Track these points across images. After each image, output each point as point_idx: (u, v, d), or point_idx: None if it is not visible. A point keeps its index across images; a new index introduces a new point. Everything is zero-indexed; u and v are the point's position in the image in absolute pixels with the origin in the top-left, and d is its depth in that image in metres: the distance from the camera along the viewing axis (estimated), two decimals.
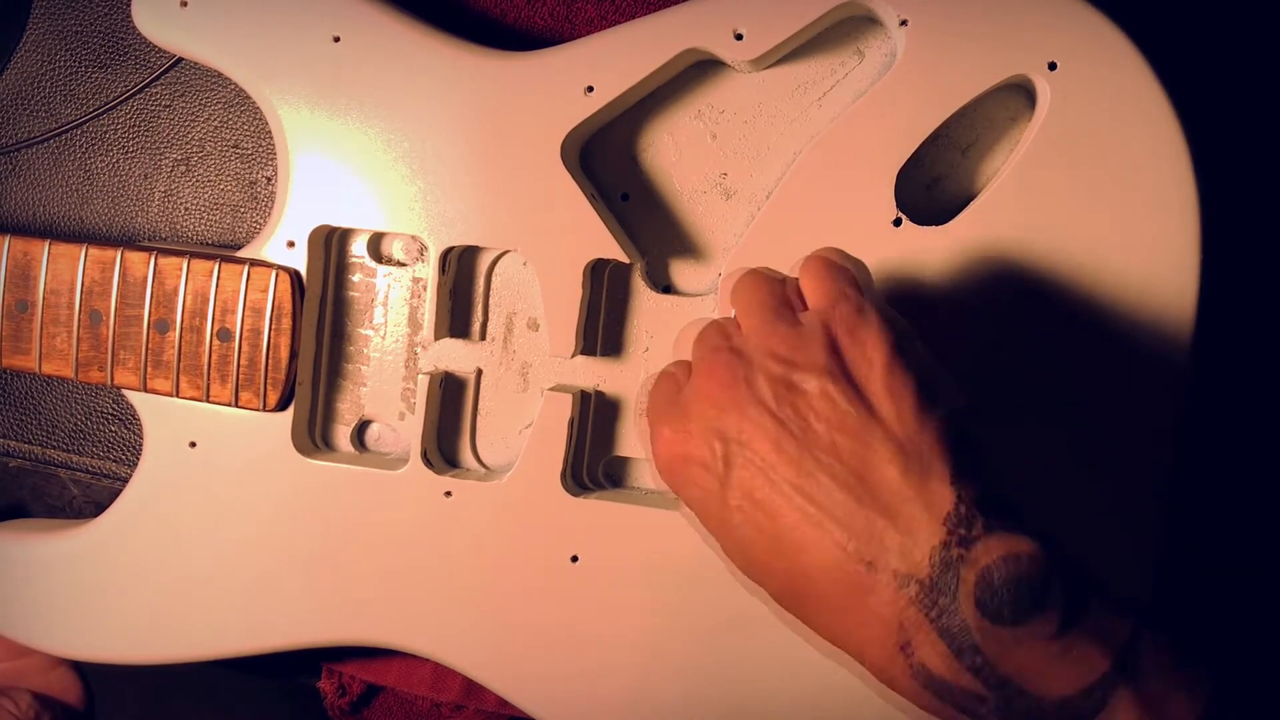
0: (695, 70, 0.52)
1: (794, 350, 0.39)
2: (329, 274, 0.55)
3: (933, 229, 0.49)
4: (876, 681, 0.38)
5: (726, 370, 0.39)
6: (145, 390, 0.54)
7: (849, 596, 0.37)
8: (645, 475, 0.55)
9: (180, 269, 0.54)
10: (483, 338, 0.56)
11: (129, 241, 0.59)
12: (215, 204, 0.61)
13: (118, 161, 0.62)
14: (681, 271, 0.54)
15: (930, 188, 0.52)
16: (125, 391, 0.55)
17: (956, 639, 0.35)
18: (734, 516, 0.39)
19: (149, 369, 0.54)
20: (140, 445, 0.55)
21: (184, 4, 0.53)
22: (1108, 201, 0.47)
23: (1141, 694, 0.34)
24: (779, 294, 0.42)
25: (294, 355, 0.54)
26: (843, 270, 0.42)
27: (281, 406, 0.54)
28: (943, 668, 0.36)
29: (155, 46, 0.58)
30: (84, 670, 0.62)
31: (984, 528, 0.36)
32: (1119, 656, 0.35)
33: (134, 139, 0.62)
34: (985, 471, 0.38)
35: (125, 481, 0.56)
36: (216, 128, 0.61)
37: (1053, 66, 0.47)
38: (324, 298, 0.55)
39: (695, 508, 0.41)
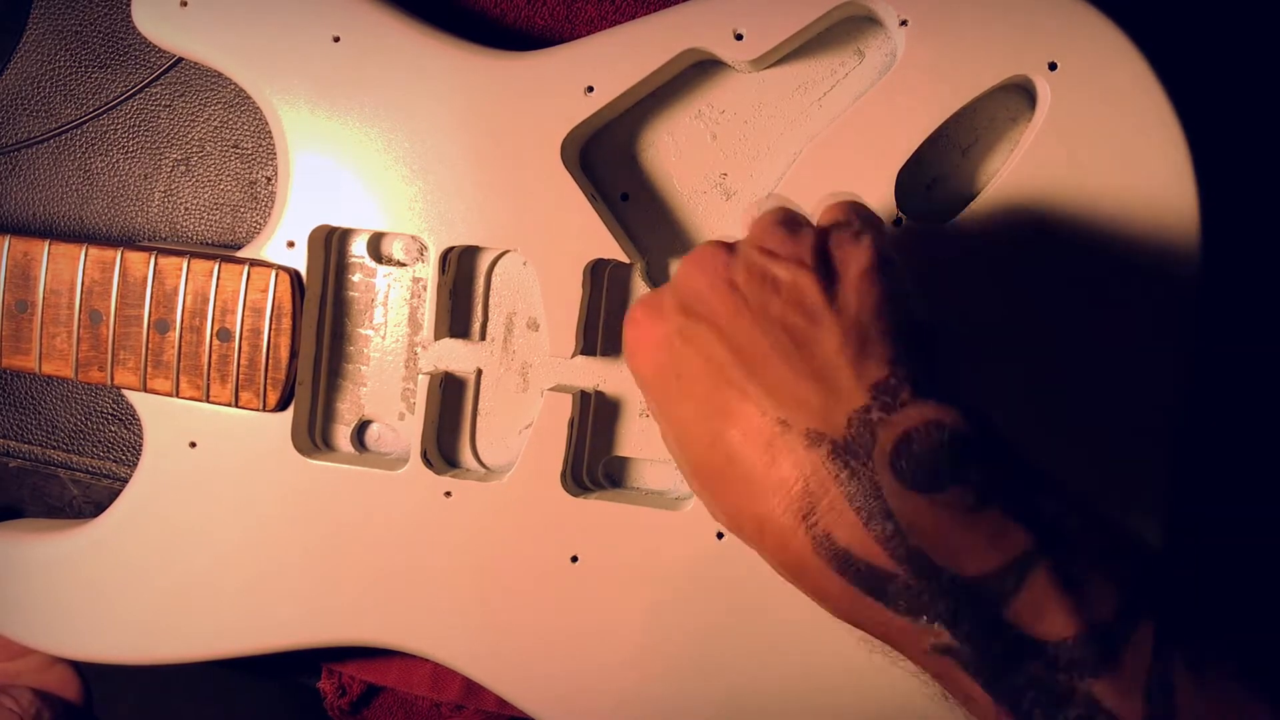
0: (695, 70, 0.53)
1: (780, 245, 0.39)
2: (329, 274, 0.55)
3: (932, 229, 0.49)
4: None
5: (710, 255, 0.40)
6: (145, 390, 0.54)
7: (757, 463, 0.36)
8: (645, 475, 0.55)
9: (180, 269, 0.54)
10: (483, 338, 0.56)
11: (129, 241, 0.59)
12: (215, 204, 0.61)
13: (118, 161, 0.62)
14: None
15: (930, 188, 0.52)
16: (125, 391, 0.55)
17: (866, 504, 0.33)
18: (673, 385, 0.39)
19: (149, 369, 0.54)
20: (140, 445, 0.55)
21: (184, 4, 0.53)
22: (1108, 201, 0.47)
23: (1061, 575, 0.32)
24: (791, 213, 0.42)
25: (294, 355, 0.54)
26: (860, 205, 0.42)
27: (281, 406, 0.54)
28: (848, 537, 0.34)
29: (155, 46, 0.58)
30: (82, 668, 0.62)
31: (911, 395, 0.34)
32: (1041, 536, 0.33)
33: (134, 139, 0.62)
34: (938, 367, 0.37)
35: (125, 481, 0.56)
36: (216, 128, 0.61)
37: (1053, 67, 0.47)
38: (324, 298, 0.55)
39: (644, 383, 0.41)
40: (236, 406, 0.54)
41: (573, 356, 0.52)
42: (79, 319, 0.54)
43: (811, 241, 0.39)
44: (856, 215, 0.41)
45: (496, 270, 0.55)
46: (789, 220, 0.41)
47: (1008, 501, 0.34)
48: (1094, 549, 0.34)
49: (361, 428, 0.57)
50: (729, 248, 0.40)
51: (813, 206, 0.50)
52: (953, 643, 0.33)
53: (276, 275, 0.53)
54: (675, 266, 0.54)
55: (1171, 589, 0.34)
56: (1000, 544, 0.33)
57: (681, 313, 0.39)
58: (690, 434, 0.39)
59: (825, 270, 0.38)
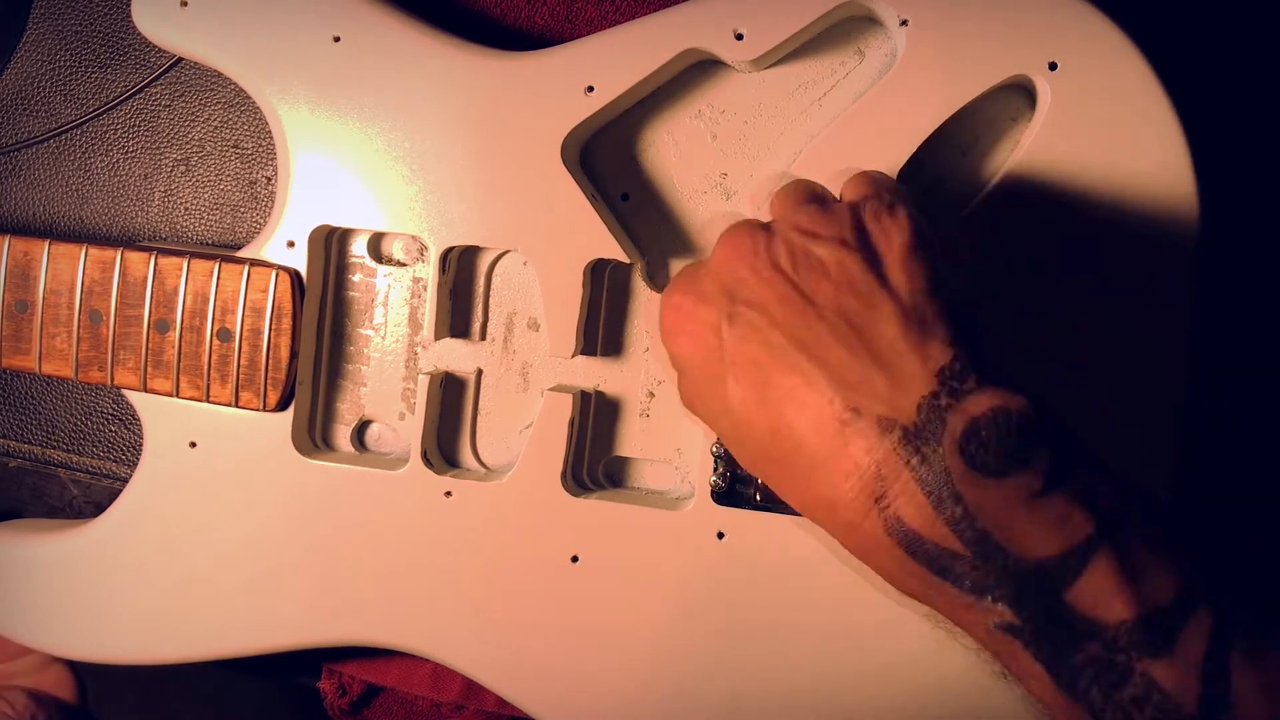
0: (695, 70, 0.52)
1: (818, 224, 0.39)
2: (329, 274, 0.55)
3: None
4: (848, 556, 0.38)
5: (748, 237, 0.40)
6: (145, 390, 0.54)
7: (827, 448, 0.37)
8: (645, 475, 0.55)
9: (180, 269, 0.54)
10: (483, 338, 0.56)
11: (129, 241, 0.59)
12: (215, 204, 0.61)
13: (118, 161, 0.62)
14: None
15: (930, 188, 0.52)
16: (125, 391, 0.55)
17: (936, 488, 0.35)
18: (726, 372, 0.39)
19: (149, 369, 0.54)
20: (140, 445, 0.55)
21: (184, 4, 0.53)
22: (1108, 201, 0.47)
23: (1121, 560, 0.34)
24: (815, 189, 0.42)
25: (294, 355, 0.54)
26: (885, 177, 0.43)
27: (281, 406, 0.54)
28: (918, 520, 0.35)
29: (155, 46, 0.58)
30: (79, 667, 0.62)
31: (977, 382, 0.36)
32: (1103, 522, 0.34)
33: (134, 139, 0.62)
34: (984, 353, 0.37)
35: (125, 481, 0.56)
36: (216, 127, 0.61)
37: (1053, 66, 0.47)
38: (324, 298, 0.55)
39: (689, 367, 0.41)
40: (236, 406, 0.54)
41: (573, 356, 0.52)
42: (79, 319, 0.54)
43: (849, 219, 0.39)
44: (885, 189, 0.41)
45: (496, 270, 0.55)
46: (817, 197, 0.42)
47: (1072, 487, 0.35)
48: (1152, 536, 0.35)
49: (361, 428, 0.57)
50: (764, 228, 0.40)
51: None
52: (1015, 621, 0.34)
53: (276, 275, 0.53)
54: (675, 267, 0.54)
55: (1227, 577, 0.35)
56: (1064, 529, 0.34)
57: (726, 297, 0.39)
58: (748, 421, 0.39)
59: (867, 248, 0.39)
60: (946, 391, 0.35)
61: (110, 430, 0.64)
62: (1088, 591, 0.34)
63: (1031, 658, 0.34)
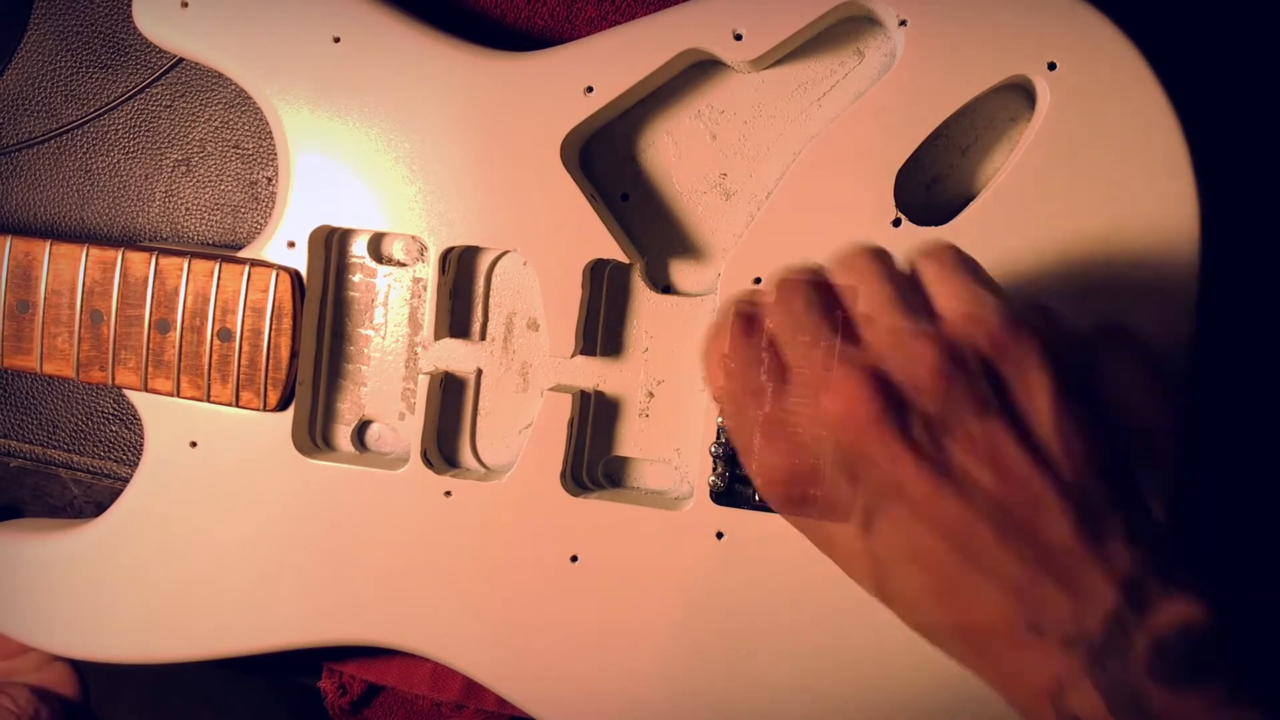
0: (695, 70, 0.53)
1: (948, 380, 0.34)
2: (329, 274, 0.55)
3: (932, 229, 0.49)
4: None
5: (869, 399, 0.34)
6: (146, 390, 0.54)
7: (1008, 650, 0.35)
8: (645, 475, 0.55)
9: (181, 269, 0.54)
10: (483, 338, 0.56)
11: (130, 242, 0.59)
12: (216, 204, 0.61)
13: (119, 162, 0.62)
14: (681, 271, 0.54)
15: (930, 188, 0.52)
16: (126, 391, 0.55)
17: (1118, 698, 0.33)
18: (878, 565, 0.36)
19: (150, 369, 0.54)
20: (141, 445, 0.56)
21: (185, 4, 0.53)
22: (1108, 201, 0.47)
23: None
24: (910, 295, 0.37)
25: (294, 355, 0.54)
26: (976, 270, 0.37)
27: (282, 406, 0.54)
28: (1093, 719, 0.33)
29: (156, 47, 0.58)
30: (81, 667, 0.62)
31: (1159, 590, 0.33)
32: None
33: (135, 139, 0.62)
34: (1151, 519, 0.35)
35: (126, 481, 0.56)
36: (217, 128, 0.61)
37: (1052, 67, 0.47)
38: (324, 298, 0.55)
39: (829, 550, 0.38)
40: (237, 406, 0.54)
41: (572, 356, 0.52)
42: (80, 319, 0.54)
43: (977, 365, 0.34)
44: (986, 291, 0.36)
45: (496, 270, 0.56)
46: (916, 313, 0.36)
47: (1252, 694, 0.33)
48: None
49: (362, 427, 0.58)
50: (875, 379, 0.34)
51: (809, 211, 0.50)
52: None
53: (277, 275, 0.53)
54: (675, 267, 0.54)
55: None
56: None
57: (861, 483, 0.35)
58: (920, 616, 0.36)
59: (1010, 410, 0.34)
60: (1129, 605, 0.33)
61: (111, 430, 0.64)
62: None
63: None
